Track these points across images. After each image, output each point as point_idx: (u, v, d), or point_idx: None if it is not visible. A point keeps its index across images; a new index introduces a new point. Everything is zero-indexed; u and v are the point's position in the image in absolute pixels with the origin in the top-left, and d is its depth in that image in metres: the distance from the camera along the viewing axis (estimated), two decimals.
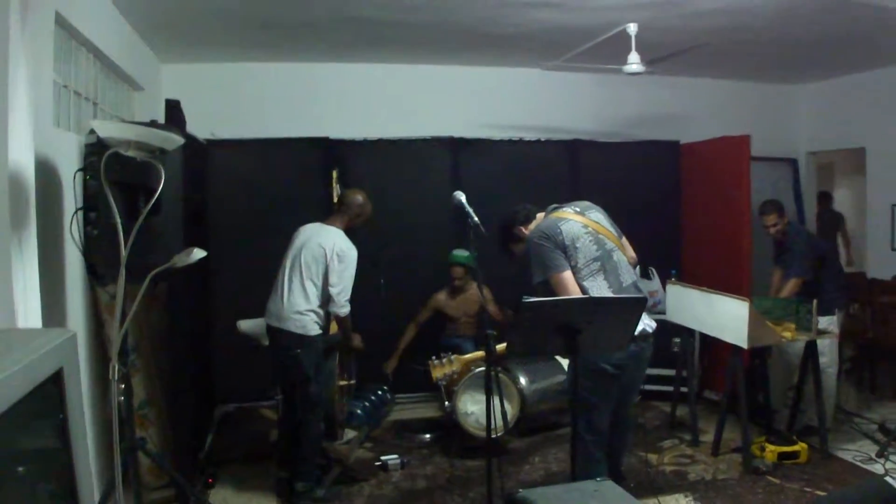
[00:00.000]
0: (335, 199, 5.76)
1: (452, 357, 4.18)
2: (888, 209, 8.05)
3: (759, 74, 8.46)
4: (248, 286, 5.66)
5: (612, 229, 4.01)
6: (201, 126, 6.00)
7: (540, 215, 4.05)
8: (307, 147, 6.67)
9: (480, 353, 4.21)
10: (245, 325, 5.30)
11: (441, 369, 4.16)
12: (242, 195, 6.52)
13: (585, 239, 3.82)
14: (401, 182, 6.85)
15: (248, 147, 6.63)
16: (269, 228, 5.67)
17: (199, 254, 3.31)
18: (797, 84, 9.07)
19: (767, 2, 5.36)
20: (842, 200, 10.57)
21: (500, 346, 3.85)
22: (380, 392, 5.94)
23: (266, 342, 4.86)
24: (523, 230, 4.02)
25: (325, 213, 5.28)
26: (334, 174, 6.11)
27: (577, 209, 3.97)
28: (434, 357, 4.24)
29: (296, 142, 6.64)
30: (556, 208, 3.98)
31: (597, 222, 3.94)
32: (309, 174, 6.61)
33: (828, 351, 5.85)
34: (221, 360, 6.28)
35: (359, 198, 4.91)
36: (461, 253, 6.27)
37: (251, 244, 6.24)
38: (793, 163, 9.10)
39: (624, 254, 3.99)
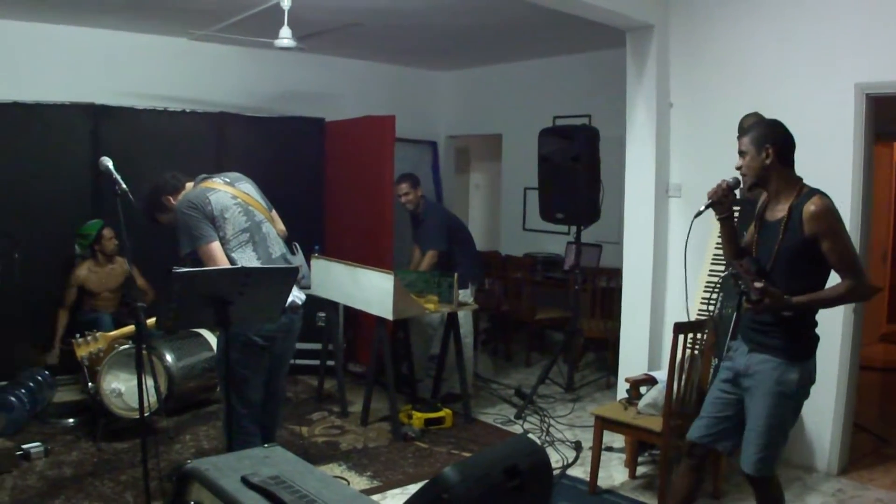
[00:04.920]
0: None
1: (97, 334, 3.95)
2: (521, 192, 8.87)
3: (404, 59, 8.90)
4: None
5: (261, 201, 4.02)
6: None
7: (189, 185, 3.94)
8: None
9: (127, 329, 4.03)
10: None
11: (86, 347, 3.91)
12: None
13: (234, 210, 3.79)
14: (38, 149, 6.31)
15: None
16: None
17: None
18: (438, 71, 9.66)
19: None
20: (478, 183, 11.39)
21: (150, 321, 3.72)
22: (39, 377, 5.47)
23: None
24: (171, 200, 3.88)
25: None
26: None
27: (227, 180, 3.93)
28: (77, 335, 3.98)
29: None
30: (205, 178, 3.90)
31: (247, 193, 3.93)
32: None
33: (464, 322, 6.29)
34: None
35: None
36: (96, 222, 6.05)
37: None
38: (433, 145, 9.67)
39: (274, 226, 4.02)
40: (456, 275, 5.73)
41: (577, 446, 5.31)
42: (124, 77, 7.14)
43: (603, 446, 4.68)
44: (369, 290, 5.41)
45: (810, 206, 3.12)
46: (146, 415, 3.86)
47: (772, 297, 3.10)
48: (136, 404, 4.81)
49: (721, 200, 3.39)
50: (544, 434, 5.57)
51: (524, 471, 3.33)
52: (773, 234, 3.24)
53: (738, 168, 3.34)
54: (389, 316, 5.26)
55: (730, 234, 3.46)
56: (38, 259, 6.05)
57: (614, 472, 4.91)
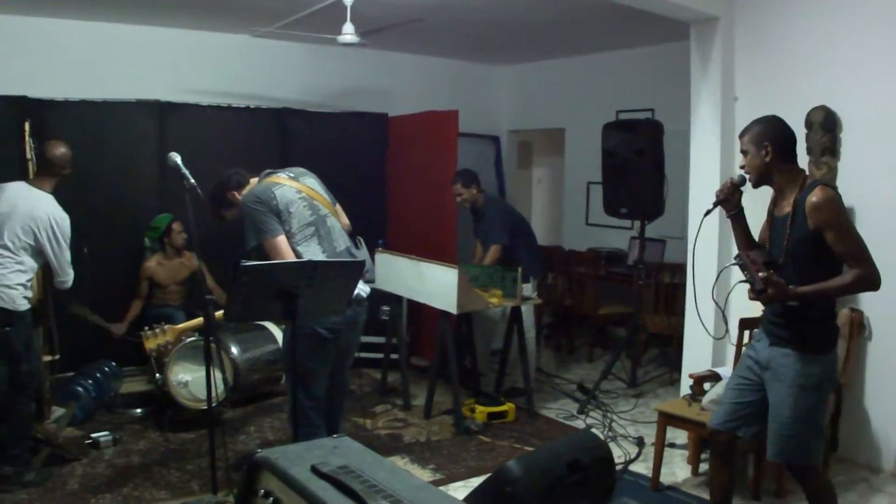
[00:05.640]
0: (28, 156, 5.19)
1: (165, 327, 4.05)
2: (584, 187, 8.80)
3: (466, 54, 8.89)
4: None
5: (326, 195, 4.08)
6: None
7: (253, 180, 4.02)
8: (1, 106, 6.01)
9: (195, 322, 4.13)
10: None
11: (154, 340, 4.02)
12: None
13: (299, 204, 3.85)
14: (105, 145, 6.48)
15: None
16: None
17: None
18: (500, 65, 9.64)
19: None
20: (541, 177, 11.33)
21: (218, 313, 3.79)
22: (106, 368, 5.62)
23: None
24: (236, 195, 3.98)
25: (18, 172, 4.89)
26: (27, 127, 5.47)
27: (291, 175, 3.99)
28: (146, 327, 4.09)
29: None
30: (269, 173, 3.98)
31: (311, 188, 3.99)
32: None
33: (527, 316, 6.26)
34: None
35: (62, 149, 4.50)
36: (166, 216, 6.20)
37: None
38: (495, 140, 9.65)
39: (338, 220, 4.07)
40: (520, 269, 5.72)
41: (640, 442, 5.26)
42: (189, 74, 7.27)
43: (666, 442, 4.64)
44: (433, 284, 5.43)
45: (812, 198, 3.16)
46: (213, 405, 3.93)
47: (776, 287, 3.13)
48: (201, 395, 4.90)
49: (728, 198, 3.45)
50: (607, 429, 5.53)
51: (587, 465, 3.34)
52: (782, 229, 3.29)
53: (742, 167, 3.40)
54: (453, 310, 5.28)
55: (741, 231, 3.51)
56: (107, 253, 6.20)
57: (677, 469, 4.86)
